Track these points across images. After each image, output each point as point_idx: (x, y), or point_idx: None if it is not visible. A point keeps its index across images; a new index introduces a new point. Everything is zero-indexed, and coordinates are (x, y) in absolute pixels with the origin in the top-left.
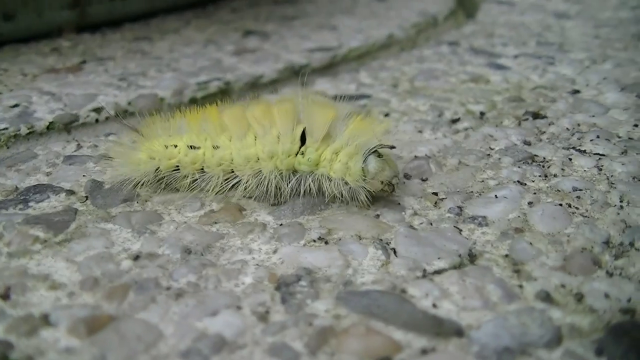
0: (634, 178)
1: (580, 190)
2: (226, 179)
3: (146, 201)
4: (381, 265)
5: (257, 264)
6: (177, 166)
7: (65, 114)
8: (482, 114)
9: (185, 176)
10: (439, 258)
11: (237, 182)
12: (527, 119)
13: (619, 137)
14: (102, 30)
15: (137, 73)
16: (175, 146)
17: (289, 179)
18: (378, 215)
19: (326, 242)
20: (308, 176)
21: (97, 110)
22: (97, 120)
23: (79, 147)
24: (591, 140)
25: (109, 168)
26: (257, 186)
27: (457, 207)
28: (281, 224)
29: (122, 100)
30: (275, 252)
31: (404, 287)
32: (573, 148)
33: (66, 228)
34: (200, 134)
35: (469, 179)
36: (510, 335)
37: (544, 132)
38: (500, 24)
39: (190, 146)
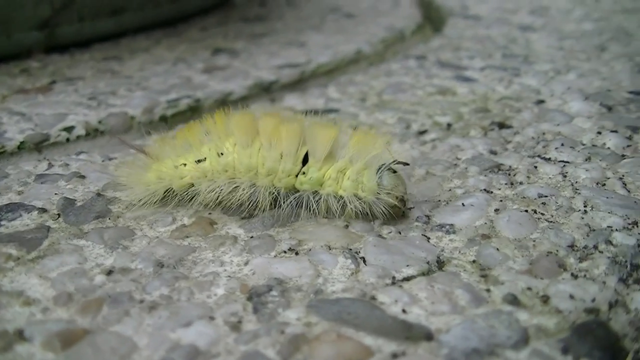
0: (597, 183)
1: (546, 196)
2: (227, 185)
3: (118, 217)
4: (351, 273)
5: (229, 276)
6: (192, 183)
7: (36, 133)
8: (449, 125)
9: (199, 192)
10: (407, 265)
11: (235, 188)
12: (493, 129)
13: (583, 145)
14: (71, 50)
15: (107, 92)
16: (185, 164)
17: (287, 197)
18: (347, 226)
19: (296, 253)
20: (311, 196)
21: (68, 129)
22: (68, 140)
23: (50, 165)
24: (556, 148)
25: (120, 189)
26: (250, 197)
27: (425, 215)
28: (252, 237)
29: (93, 119)
30: (246, 263)
31: (374, 294)
32: (538, 156)
33: (39, 245)
34: (204, 145)
35: (437, 189)
36: (479, 337)
37: (510, 141)
38: (467, 38)
39: (197, 160)
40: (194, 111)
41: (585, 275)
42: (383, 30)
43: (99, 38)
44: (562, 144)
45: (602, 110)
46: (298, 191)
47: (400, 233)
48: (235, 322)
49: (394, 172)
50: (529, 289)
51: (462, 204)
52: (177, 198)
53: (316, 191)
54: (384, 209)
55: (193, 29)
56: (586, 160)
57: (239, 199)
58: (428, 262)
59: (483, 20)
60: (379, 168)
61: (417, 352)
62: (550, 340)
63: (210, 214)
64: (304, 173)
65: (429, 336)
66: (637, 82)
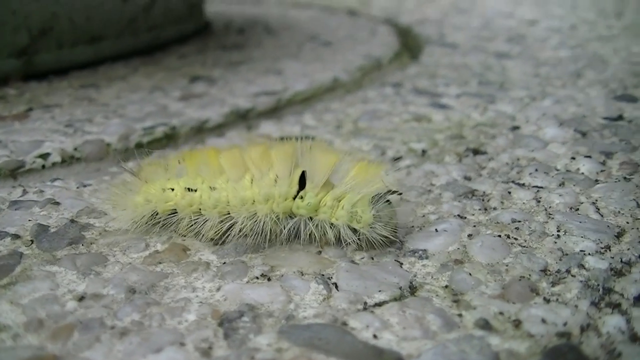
0: (570, 208)
1: (519, 221)
2: (221, 221)
3: (91, 244)
4: (323, 299)
5: (201, 302)
6: (175, 209)
7: (11, 160)
8: (424, 151)
9: (182, 219)
10: (379, 291)
11: (232, 224)
12: (467, 155)
13: (557, 170)
14: (49, 78)
15: (83, 119)
16: (172, 189)
17: (286, 222)
18: (320, 252)
19: (269, 279)
20: (308, 221)
21: (44, 156)
22: (43, 166)
23: (24, 192)
24: (530, 173)
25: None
26: (252, 228)
27: (399, 241)
28: (224, 262)
29: (69, 147)
30: (218, 289)
31: (345, 320)
32: (512, 182)
33: (11, 271)
34: (197, 177)
35: (410, 214)
36: None
37: (484, 167)
38: (443, 65)
39: (188, 188)
40: (169, 139)
41: (557, 300)
42: (360, 58)
43: (77, 65)
44: (536, 170)
45: (576, 136)
46: (294, 217)
47: (373, 259)
48: (206, 348)
49: (389, 202)
50: (501, 313)
51: (436, 229)
52: (160, 223)
53: (311, 217)
54: (376, 239)
55: (171, 57)
56: (560, 185)
57: (239, 229)
58: (400, 288)
59: (460, 48)
60: (374, 198)
61: None
62: None
63: (183, 240)
64: (301, 197)
65: None
66: (611, 108)
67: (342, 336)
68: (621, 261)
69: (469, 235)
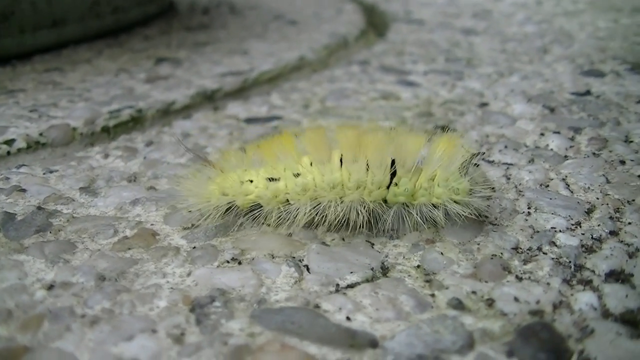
0: (540, 185)
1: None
2: (314, 207)
3: (59, 231)
4: (294, 282)
5: (172, 288)
6: (257, 202)
7: None
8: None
9: (269, 212)
10: (351, 272)
11: (323, 211)
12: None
13: (526, 146)
14: (12, 63)
15: (48, 104)
16: (251, 181)
17: (384, 210)
18: (291, 234)
19: (239, 263)
20: (407, 208)
21: (8, 142)
22: (8, 153)
23: None
24: (499, 150)
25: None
26: (343, 215)
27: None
28: (194, 247)
29: (34, 132)
30: (189, 274)
31: (318, 303)
32: (482, 159)
33: None
34: (277, 164)
35: None
36: (424, 343)
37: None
38: (410, 42)
39: (269, 178)
40: (136, 121)
41: (529, 278)
42: (326, 36)
43: (41, 50)
44: (506, 146)
45: (544, 112)
46: (387, 204)
47: (344, 240)
48: (178, 335)
49: (477, 165)
50: (474, 292)
51: None
52: (242, 215)
53: (406, 203)
54: (480, 207)
55: (135, 39)
56: (529, 162)
57: (328, 217)
58: (372, 269)
59: (426, 24)
60: (462, 167)
61: None
62: (495, 344)
63: (152, 225)
64: (396, 184)
65: (373, 343)
66: (578, 84)
67: (314, 319)
68: (592, 237)
69: None
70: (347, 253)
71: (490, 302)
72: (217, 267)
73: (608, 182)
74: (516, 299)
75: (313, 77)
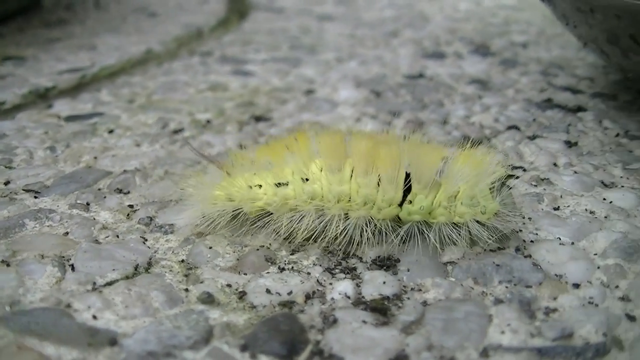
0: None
1: None
2: (317, 217)
3: None
4: (55, 282)
5: None
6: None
7: None
8: (208, 121)
9: (279, 220)
10: (113, 269)
11: (325, 225)
12: (249, 123)
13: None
14: None
15: None
16: (260, 186)
17: (395, 229)
18: (67, 233)
19: (8, 265)
20: (422, 226)
21: None
22: None
23: None
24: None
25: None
26: (347, 232)
27: (148, 217)
28: None
29: None
30: None
31: (70, 302)
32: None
33: None
34: (285, 167)
35: (170, 188)
36: (158, 339)
37: (264, 134)
38: (262, 31)
39: (277, 184)
40: None
41: (292, 268)
42: (180, 28)
43: None
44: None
45: (370, 96)
46: (399, 222)
47: (118, 237)
48: None
49: (509, 187)
50: (229, 285)
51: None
52: (249, 222)
53: (423, 221)
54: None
55: None
56: None
57: (329, 232)
58: (136, 266)
59: (285, 12)
60: (493, 185)
61: (97, 359)
62: (232, 338)
63: None
64: (410, 202)
65: (113, 341)
66: (415, 66)
67: (59, 319)
68: None
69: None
70: (116, 250)
71: (242, 295)
72: None
73: None
74: (268, 291)
75: (150, 70)
